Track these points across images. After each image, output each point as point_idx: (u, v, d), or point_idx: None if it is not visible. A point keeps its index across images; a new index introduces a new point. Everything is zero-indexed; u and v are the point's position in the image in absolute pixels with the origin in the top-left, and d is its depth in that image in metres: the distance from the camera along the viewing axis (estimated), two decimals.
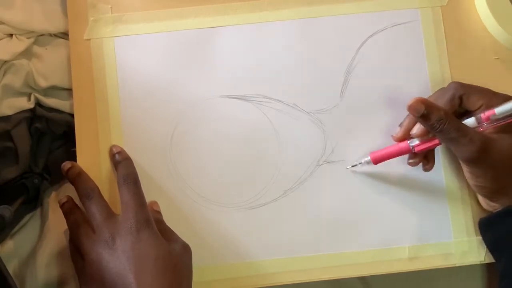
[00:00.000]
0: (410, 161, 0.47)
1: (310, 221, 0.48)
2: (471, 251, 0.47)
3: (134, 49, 0.50)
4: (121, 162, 0.47)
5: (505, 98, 0.44)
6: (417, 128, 0.45)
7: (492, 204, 0.46)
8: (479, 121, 0.43)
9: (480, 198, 0.47)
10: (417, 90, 0.49)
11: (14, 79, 0.47)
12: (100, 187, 0.47)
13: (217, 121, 0.49)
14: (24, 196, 0.47)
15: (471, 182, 0.46)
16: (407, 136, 0.46)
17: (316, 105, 0.49)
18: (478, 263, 0.47)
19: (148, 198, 0.47)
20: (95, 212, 0.44)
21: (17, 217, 0.47)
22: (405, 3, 0.50)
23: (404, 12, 0.50)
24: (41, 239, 0.48)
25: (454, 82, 0.46)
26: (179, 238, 0.45)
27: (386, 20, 0.50)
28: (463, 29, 0.50)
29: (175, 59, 0.50)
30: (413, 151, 0.45)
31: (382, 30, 0.50)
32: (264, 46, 0.50)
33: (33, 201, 0.48)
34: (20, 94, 0.48)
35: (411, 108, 0.43)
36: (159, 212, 0.47)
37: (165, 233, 0.44)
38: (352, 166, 0.48)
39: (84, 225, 0.44)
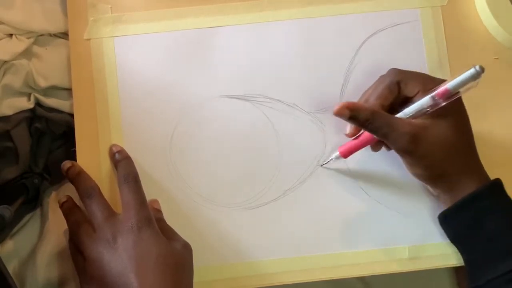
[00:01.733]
0: (373, 148, 0.47)
1: (310, 221, 0.48)
2: None
3: (134, 49, 0.50)
4: (121, 161, 0.47)
5: (440, 82, 0.43)
6: (349, 127, 0.47)
7: (435, 190, 0.46)
8: (434, 100, 0.42)
9: (425, 185, 0.48)
10: None
11: (14, 79, 0.47)
12: (100, 187, 0.47)
13: (217, 121, 0.49)
14: (24, 196, 0.47)
15: (409, 171, 0.46)
16: (358, 129, 0.46)
17: (316, 105, 0.49)
18: None
19: (148, 198, 0.47)
20: (96, 211, 0.44)
21: (17, 217, 0.47)
22: (405, 3, 0.50)
23: (404, 12, 0.50)
24: (41, 239, 0.48)
25: (393, 68, 0.46)
26: (180, 236, 0.45)
27: (386, 20, 0.50)
28: (463, 29, 0.50)
29: (175, 59, 0.50)
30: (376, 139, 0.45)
31: (382, 30, 0.50)
32: (264, 46, 0.50)
33: (33, 201, 0.48)
34: (20, 94, 0.48)
35: (337, 114, 0.43)
36: (159, 211, 0.47)
37: (165, 232, 0.44)
38: (323, 164, 0.48)
39: (84, 224, 0.44)
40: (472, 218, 0.44)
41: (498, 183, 0.44)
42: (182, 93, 0.49)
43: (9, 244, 0.47)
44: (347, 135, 0.47)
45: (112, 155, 0.48)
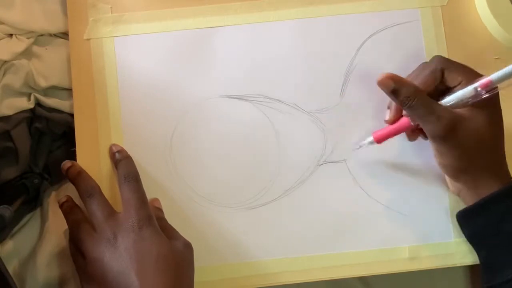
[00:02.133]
0: (409, 136, 0.47)
1: (310, 221, 0.48)
2: (471, 251, 0.47)
3: (134, 49, 0.50)
4: (121, 160, 0.46)
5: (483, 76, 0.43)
6: (389, 113, 0.46)
7: (456, 184, 0.46)
8: (476, 91, 0.42)
9: (447, 180, 0.47)
10: None
11: (14, 79, 0.47)
12: (100, 187, 0.47)
13: (217, 121, 0.49)
14: (24, 196, 0.47)
15: (436, 160, 0.46)
16: (398, 116, 0.46)
17: (316, 105, 0.49)
18: (478, 263, 0.47)
19: (148, 198, 0.47)
20: (96, 210, 0.44)
21: (17, 217, 0.47)
22: (405, 3, 0.50)
23: (404, 12, 0.50)
24: (41, 239, 0.48)
25: (438, 56, 0.46)
26: (180, 235, 0.45)
27: (386, 20, 0.50)
28: (463, 29, 0.50)
29: (175, 59, 0.50)
30: (413, 125, 0.45)
31: (382, 30, 0.50)
32: (264, 46, 0.50)
33: (33, 201, 0.49)
34: (20, 94, 0.48)
35: (380, 84, 0.43)
36: (160, 209, 0.47)
37: (166, 231, 0.44)
38: (358, 148, 0.48)
39: (84, 224, 0.44)
40: (492, 219, 0.44)
41: None
42: (182, 93, 0.49)
43: (9, 244, 0.47)
44: (386, 121, 0.47)
45: (112, 154, 0.48)
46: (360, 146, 0.48)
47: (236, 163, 0.49)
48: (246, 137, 0.49)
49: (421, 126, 0.44)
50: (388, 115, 0.47)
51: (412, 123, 0.45)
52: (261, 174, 0.48)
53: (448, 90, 0.45)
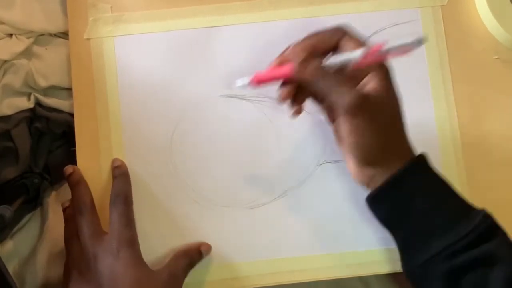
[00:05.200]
0: (280, 90, 0.42)
1: (310, 221, 0.48)
2: None
3: (134, 48, 0.50)
4: (116, 177, 0.46)
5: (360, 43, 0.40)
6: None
7: (370, 170, 0.42)
8: (364, 53, 0.39)
9: (354, 169, 0.43)
10: (417, 90, 0.49)
11: (14, 79, 0.47)
12: (99, 187, 0.47)
13: (217, 121, 0.49)
14: (24, 196, 0.47)
15: (349, 140, 0.41)
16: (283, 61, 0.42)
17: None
18: None
19: (148, 198, 0.47)
20: (84, 228, 0.44)
21: (17, 217, 0.47)
22: (405, 3, 0.50)
23: (404, 12, 0.50)
24: (41, 239, 0.48)
25: (340, 24, 0.42)
26: (173, 266, 0.45)
27: (386, 20, 0.50)
28: (463, 29, 0.50)
29: (175, 58, 0.50)
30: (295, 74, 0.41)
31: (382, 30, 0.50)
32: (264, 46, 0.50)
33: (33, 201, 0.48)
34: (20, 94, 0.48)
35: (281, 99, 0.41)
36: (197, 255, 0.46)
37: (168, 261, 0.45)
38: (238, 86, 0.43)
39: (75, 238, 0.45)
40: (401, 197, 0.41)
41: (422, 159, 0.41)
42: (182, 93, 0.49)
43: (9, 244, 0.47)
44: (272, 64, 0.43)
45: (112, 168, 0.48)
46: (238, 85, 0.43)
47: (236, 163, 0.49)
48: (246, 137, 0.49)
49: (332, 99, 0.40)
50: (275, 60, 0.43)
51: (295, 74, 0.40)
52: (261, 174, 0.48)
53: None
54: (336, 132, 0.43)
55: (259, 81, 0.42)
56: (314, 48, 0.41)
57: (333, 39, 0.41)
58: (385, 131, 0.41)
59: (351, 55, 0.39)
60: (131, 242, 0.44)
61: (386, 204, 0.42)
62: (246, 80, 0.42)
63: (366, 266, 0.47)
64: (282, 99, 0.42)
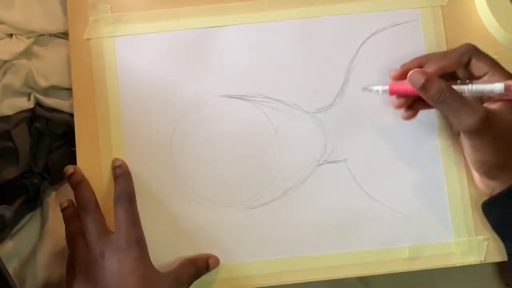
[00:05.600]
0: (396, 101, 0.46)
1: (310, 221, 0.48)
2: (472, 251, 0.47)
3: (134, 49, 0.50)
4: (119, 177, 0.46)
5: (508, 74, 0.43)
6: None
7: (491, 183, 0.44)
8: (507, 87, 0.42)
9: (478, 179, 0.46)
10: None
11: (14, 79, 0.47)
12: (99, 187, 0.47)
13: (217, 121, 0.49)
14: (24, 196, 0.47)
15: (471, 158, 0.44)
16: (404, 75, 0.45)
17: (316, 105, 0.49)
18: (479, 263, 0.47)
19: (147, 198, 0.47)
20: (90, 227, 0.44)
21: (17, 217, 0.47)
22: (405, 3, 0.50)
23: (404, 12, 0.50)
24: (41, 239, 0.48)
25: (468, 43, 0.45)
26: (179, 272, 0.45)
27: (386, 20, 0.50)
28: (463, 29, 0.50)
29: (175, 59, 0.50)
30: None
31: (382, 30, 0.50)
32: (264, 46, 0.50)
33: (33, 201, 0.48)
34: (20, 94, 0.48)
35: (410, 79, 0.43)
36: (204, 268, 0.46)
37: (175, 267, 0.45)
38: (365, 87, 0.47)
39: (79, 237, 0.45)
40: None
41: None
42: (182, 93, 0.49)
43: (9, 244, 0.47)
44: (392, 76, 0.47)
45: (113, 168, 0.47)
46: (370, 88, 0.47)
47: (236, 163, 0.49)
48: (246, 137, 0.49)
49: (454, 121, 0.43)
50: (396, 70, 0.47)
51: (421, 92, 0.43)
52: (261, 174, 0.48)
53: (468, 79, 0.44)
54: (461, 143, 0.45)
55: (393, 92, 0.46)
56: (443, 69, 0.44)
57: (463, 60, 0.44)
58: (506, 150, 0.42)
59: (492, 87, 0.42)
60: (139, 241, 0.44)
61: (498, 210, 0.44)
62: (385, 88, 0.46)
63: (366, 266, 0.47)
64: (397, 108, 0.46)
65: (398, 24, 0.50)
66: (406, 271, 0.47)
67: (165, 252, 0.47)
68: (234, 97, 0.49)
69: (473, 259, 0.47)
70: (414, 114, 0.47)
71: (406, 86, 0.45)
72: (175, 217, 0.48)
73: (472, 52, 0.44)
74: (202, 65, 0.50)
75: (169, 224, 0.47)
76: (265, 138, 0.49)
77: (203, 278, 0.47)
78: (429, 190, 0.48)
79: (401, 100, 0.46)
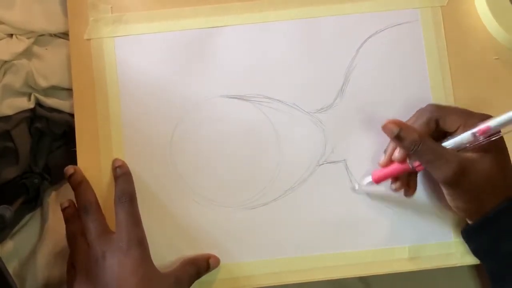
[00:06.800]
0: (393, 185, 0.47)
1: (310, 221, 0.48)
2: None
3: (134, 49, 0.50)
4: (119, 177, 0.46)
5: (482, 118, 0.42)
6: (398, 152, 0.45)
7: (469, 220, 0.45)
8: (475, 136, 0.42)
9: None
10: (417, 90, 0.49)
11: (14, 79, 0.47)
12: (99, 187, 0.47)
13: (217, 121, 0.49)
14: (24, 196, 0.47)
15: (451, 204, 0.45)
16: (390, 162, 0.46)
17: (316, 105, 0.49)
18: (479, 263, 0.47)
19: (147, 198, 0.47)
20: (91, 227, 0.44)
21: (17, 217, 0.47)
22: (405, 3, 0.50)
23: (404, 12, 0.50)
24: (41, 239, 0.48)
25: (431, 104, 0.45)
26: (180, 272, 0.45)
27: (386, 20, 0.50)
28: (463, 29, 0.50)
29: (175, 59, 0.50)
30: (413, 169, 0.45)
31: (382, 30, 0.50)
32: (264, 46, 0.50)
33: (33, 201, 0.48)
34: (20, 94, 0.48)
35: (385, 129, 0.44)
36: (205, 267, 0.46)
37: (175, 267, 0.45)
38: (358, 188, 0.48)
39: (80, 237, 0.45)
40: (493, 236, 0.43)
41: None
42: (182, 93, 0.49)
43: (9, 244, 0.47)
44: (380, 164, 0.47)
45: (113, 169, 0.47)
46: (358, 188, 0.48)
47: (236, 163, 0.49)
48: (246, 137, 0.49)
49: (429, 171, 0.44)
50: (382, 159, 0.47)
51: (409, 166, 0.45)
52: (261, 174, 0.48)
53: (448, 134, 0.44)
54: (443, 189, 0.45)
55: (379, 180, 0.46)
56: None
57: (431, 127, 0.44)
58: (481, 198, 0.43)
59: (461, 139, 0.42)
60: (140, 241, 0.44)
61: (476, 240, 0.45)
62: (369, 179, 0.47)
63: (366, 266, 0.47)
64: (397, 190, 0.47)
65: (398, 24, 0.50)
66: (406, 271, 0.47)
67: (165, 252, 0.47)
68: (234, 97, 0.49)
69: (472, 259, 0.47)
70: (413, 191, 0.47)
71: (387, 170, 0.46)
72: (176, 217, 0.48)
73: (436, 113, 0.44)
74: (202, 65, 0.50)
75: (169, 224, 0.47)
76: (265, 138, 0.49)
77: (204, 278, 0.47)
78: (429, 190, 0.48)
79: (397, 184, 0.46)
